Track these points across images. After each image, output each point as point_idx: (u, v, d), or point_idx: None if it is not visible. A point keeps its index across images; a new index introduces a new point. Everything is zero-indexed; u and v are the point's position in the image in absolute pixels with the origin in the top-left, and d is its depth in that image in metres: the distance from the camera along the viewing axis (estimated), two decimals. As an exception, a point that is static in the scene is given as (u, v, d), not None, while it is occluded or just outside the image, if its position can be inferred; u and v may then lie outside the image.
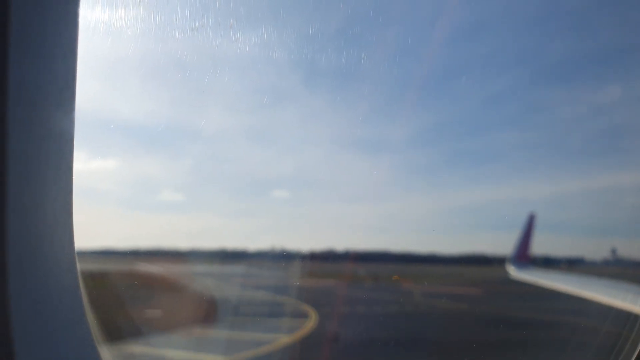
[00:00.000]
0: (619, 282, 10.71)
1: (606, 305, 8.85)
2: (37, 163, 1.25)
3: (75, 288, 1.44)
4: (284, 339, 12.51)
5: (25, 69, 1.17)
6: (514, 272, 14.93)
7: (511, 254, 16.10)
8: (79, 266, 1.50)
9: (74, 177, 1.44)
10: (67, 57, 1.33)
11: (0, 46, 1.11)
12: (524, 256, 15.89)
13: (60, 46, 1.30)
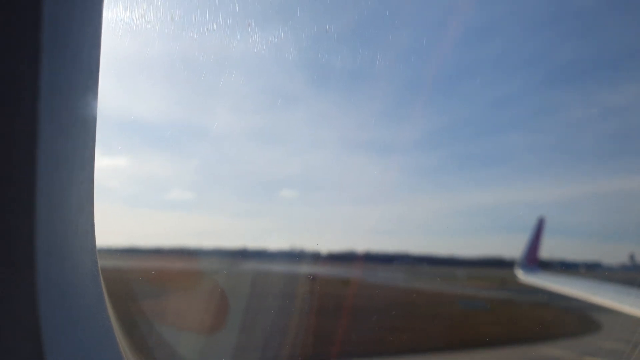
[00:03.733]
0: (631, 288, 10.62)
1: (615, 310, 8.79)
2: (65, 150, 1.29)
3: (96, 276, 1.48)
4: None
5: (55, 59, 1.21)
6: (522, 275, 14.86)
7: (520, 257, 16.03)
8: (98, 249, 1.54)
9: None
10: (92, 49, 1.37)
11: (33, 37, 1.15)
12: (532, 260, 15.80)
13: (86, 38, 1.34)
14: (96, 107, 1.44)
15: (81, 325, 1.37)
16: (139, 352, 2.19)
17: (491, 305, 21.94)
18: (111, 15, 2.54)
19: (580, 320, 17.17)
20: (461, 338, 14.57)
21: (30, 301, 1.17)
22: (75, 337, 1.32)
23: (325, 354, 12.40)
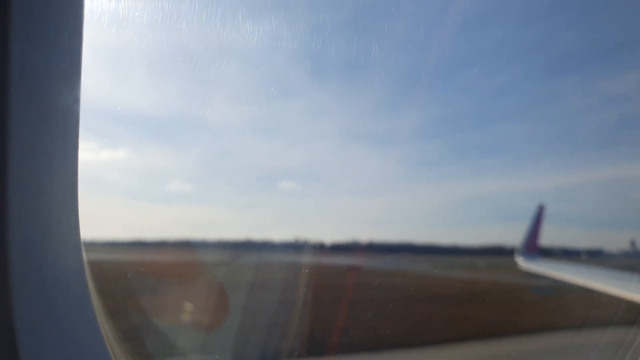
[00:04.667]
0: (632, 274, 10.62)
1: (615, 296, 8.79)
2: (42, 140, 1.22)
3: (80, 272, 1.41)
4: None
5: (27, 43, 1.14)
6: (523, 262, 14.87)
7: (520, 244, 16.04)
8: (84, 250, 1.47)
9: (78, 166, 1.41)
10: (72, 36, 1.30)
11: (1, 19, 1.08)
12: (532, 247, 15.81)
13: (65, 22, 1.27)
14: (79, 95, 1.37)
15: (62, 326, 1.30)
16: (132, 350, 2.13)
17: (555, 292, 21.90)
18: (102, 7, 2.47)
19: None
20: (580, 319, 14.63)
21: (4, 303, 1.10)
22: (55, 337, 1.25)
23: (468, 338, 12.72)
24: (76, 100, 1.34)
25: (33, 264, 1.19)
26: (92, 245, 1.58)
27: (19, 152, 1.11)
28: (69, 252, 1.35)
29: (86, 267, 1.47)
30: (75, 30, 1.33)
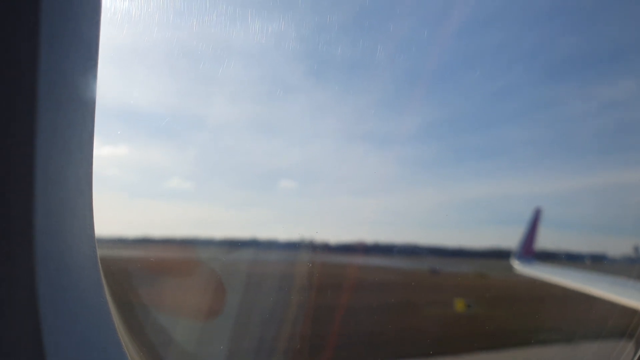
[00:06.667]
0: (627, 280, 10.67)
1: (609, 301, 8.85)
2: (63, 129, 1.30)
3: (94, 259, 1.49)
4: None
5: (53, 34, 1.21)
6: (518, 266, 14.92)
7: (516, 248, 16.09)
8: (96, 238, 1.55)
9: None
10: (91, 26, 1.37)
11: (32, 10, 1.16)
12: (529, 251, 15.85)
13: (84, 14, 1.34)
14: (95, 87, 1.44)
15: (78, 305, 1.38)
16: (137, 337, 2.20)
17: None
18: (110, 4, 2.54)
19: None
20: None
21: (29, 278, 1.18)
22: (72, 316, 1.33)
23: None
24: (93, 93, 1.42)
25: (53, 245, 1.27)
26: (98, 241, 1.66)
27: (44, 138, 1.19)
28: (84, 238, 1.42)
29: (97, 252, 1.55)
30: (94, 22, 1.40)
